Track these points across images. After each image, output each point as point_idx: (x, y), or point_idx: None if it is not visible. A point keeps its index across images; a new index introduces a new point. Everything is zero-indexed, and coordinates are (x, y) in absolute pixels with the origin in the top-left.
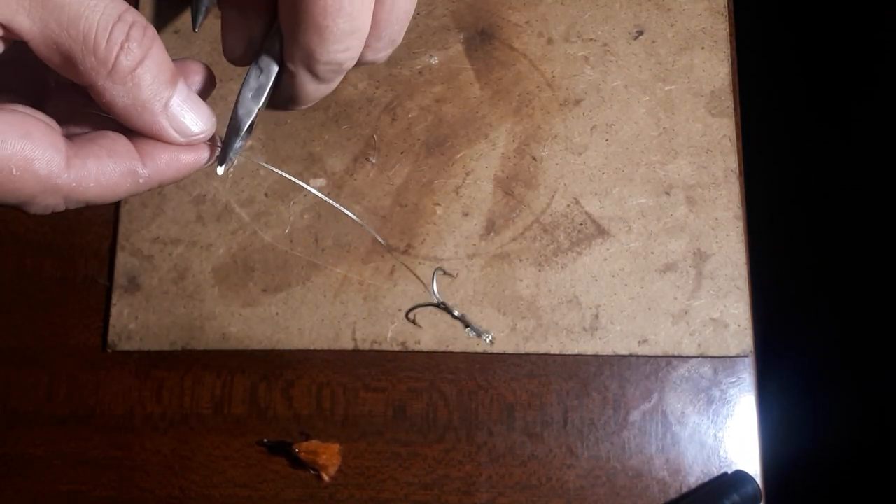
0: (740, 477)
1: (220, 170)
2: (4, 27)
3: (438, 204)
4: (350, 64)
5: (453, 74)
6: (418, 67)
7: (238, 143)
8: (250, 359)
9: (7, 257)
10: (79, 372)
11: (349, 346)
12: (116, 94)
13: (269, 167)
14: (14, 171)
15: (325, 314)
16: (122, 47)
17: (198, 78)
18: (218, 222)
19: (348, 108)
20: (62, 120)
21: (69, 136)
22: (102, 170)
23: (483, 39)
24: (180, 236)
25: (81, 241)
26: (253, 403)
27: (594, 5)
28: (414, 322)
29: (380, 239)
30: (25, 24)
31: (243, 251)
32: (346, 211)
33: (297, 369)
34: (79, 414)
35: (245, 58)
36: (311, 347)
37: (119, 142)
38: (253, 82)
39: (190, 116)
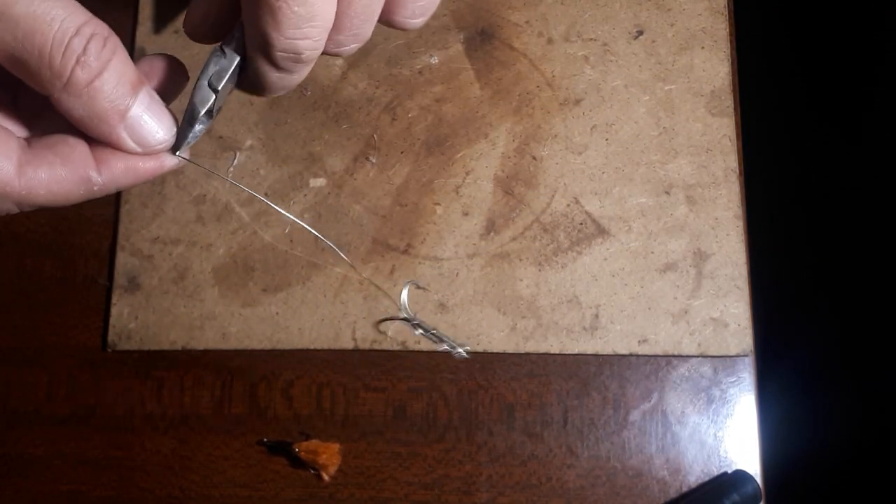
0: (740, 477)
1: (179, 154)
2: None
3: (438, 203)
4: (310, 55)
5: (453, 74)
6: (418, 67)
7: (198, 128)
8: (250, 359)
9: (7, 257)
10: (79, 372)
11: (349, 345)
12: (72, 105)
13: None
14: None
15: (325, 314)
16: (77, 61)
17: (165, 76)
18: (218, 222)
19: (348, 108)
20: (35, 108)
21: (33, 133)
22: (54, 178)
23: (483, 39)
24: (180, 236)
25: (81, 241)
26: (253, 403)
27: (594, 5)
28: (382, 331)
29: (345, 257)
30: None
31: (243, 251)
32: (312, 229)
33: (297, 369)
34: (79, 414)
35: (200, 33)
36: (311, 347)
37: (77, 149)
38: (212, 68)
39: (149, 126)
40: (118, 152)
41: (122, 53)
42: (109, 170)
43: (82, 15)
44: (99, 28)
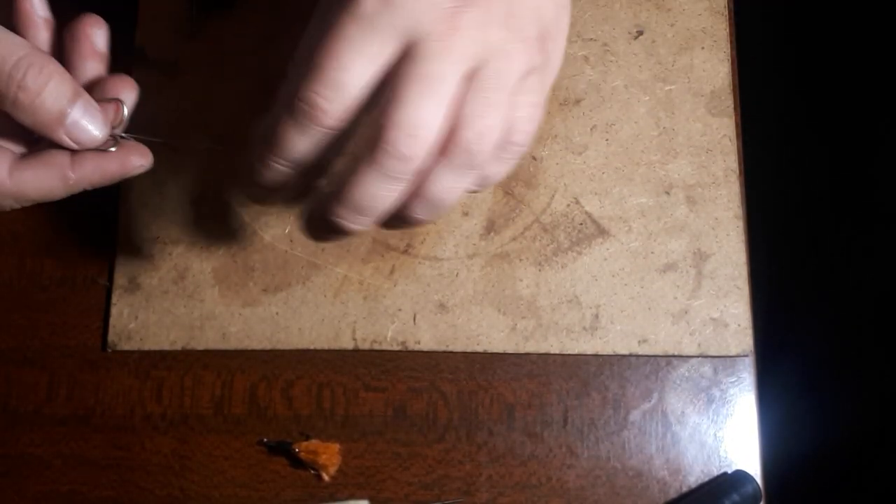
0: (740, 477)
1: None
2: None
3: None
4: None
5: None
6: None
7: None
8: (250, 359)
9: (7, 257)
10: (79, 372)
11: (349, 345)
12: (22, 118)
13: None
14: None
15: (325, 314)
16: (18, 86)
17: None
18: (218, 222)
19: None
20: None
21: (29, 147)
22: (37, 176)
23: None
24: (180, 236)
25: (81, 241)
26: (253, 403)
27: (594, 5)
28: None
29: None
30: None
31: (243, 251)
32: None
33: (297, 369)
34: (79, 414)
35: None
36: (311, 347)
37: (57, 155)
38: None
39: (85, 129)
40: (88, 154)
41: (58, 76)
42: (81, 168)
43: (21, 48)
44: (36, 58)
